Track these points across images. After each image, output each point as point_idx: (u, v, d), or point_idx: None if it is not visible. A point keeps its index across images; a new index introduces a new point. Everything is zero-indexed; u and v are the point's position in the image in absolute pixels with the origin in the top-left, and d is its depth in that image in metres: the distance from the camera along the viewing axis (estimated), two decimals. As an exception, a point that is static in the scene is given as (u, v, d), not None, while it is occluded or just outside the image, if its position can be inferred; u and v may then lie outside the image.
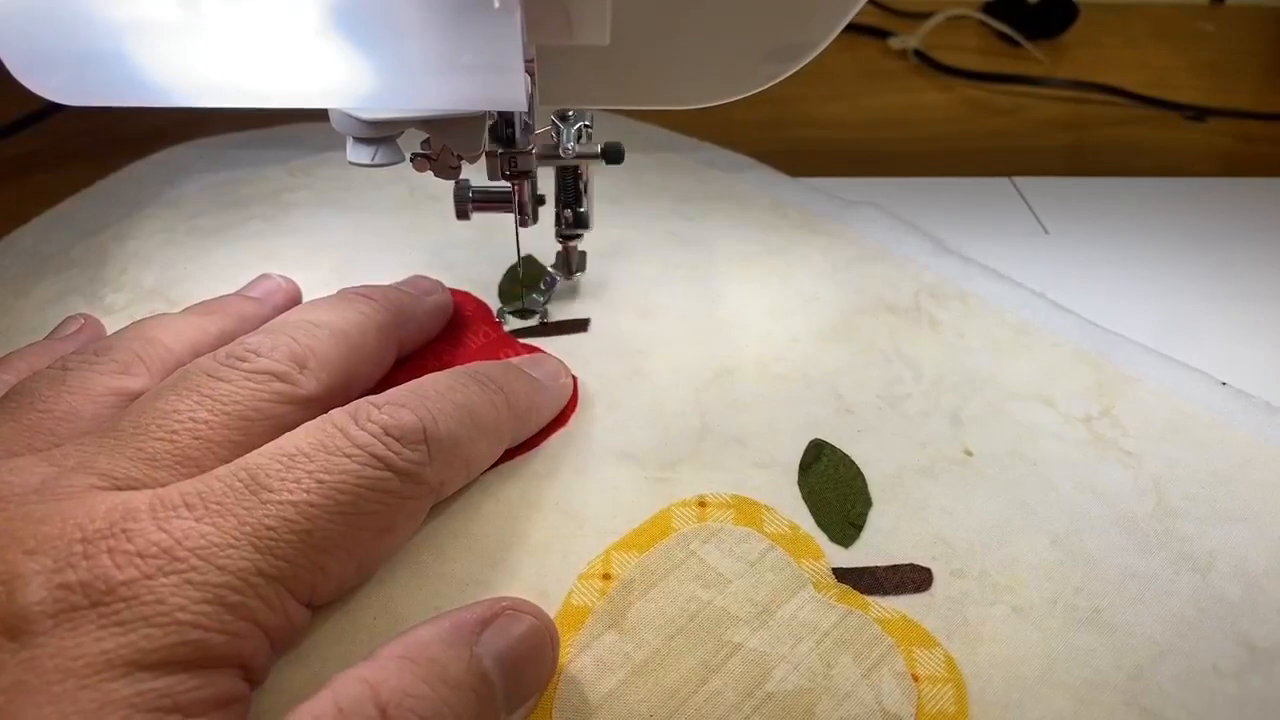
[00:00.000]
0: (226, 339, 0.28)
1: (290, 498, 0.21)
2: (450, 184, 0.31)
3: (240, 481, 0.21)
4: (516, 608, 0.22)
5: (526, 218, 0.31)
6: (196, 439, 0.23)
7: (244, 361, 0.25)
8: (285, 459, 0.22)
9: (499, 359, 0.31)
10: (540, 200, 0.33)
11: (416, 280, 0.32)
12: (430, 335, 0.32)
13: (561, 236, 0.33)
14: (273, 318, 0.29)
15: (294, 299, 0.32)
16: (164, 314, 0.29)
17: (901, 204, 0.41)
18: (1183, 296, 0.38)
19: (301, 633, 0.22)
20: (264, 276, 0.32)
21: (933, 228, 0.40)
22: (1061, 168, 0.50)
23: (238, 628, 0.20)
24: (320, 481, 0.21)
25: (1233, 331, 0.36)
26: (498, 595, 0.23)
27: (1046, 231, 0.42)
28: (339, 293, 0.30)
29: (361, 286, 0.30)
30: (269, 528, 0.21)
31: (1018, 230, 0.42)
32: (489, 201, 0.31)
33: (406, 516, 0.23)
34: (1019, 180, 0.46)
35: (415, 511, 0.24)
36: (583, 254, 0.34)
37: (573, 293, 0.34)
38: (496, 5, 0.21)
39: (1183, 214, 0.43)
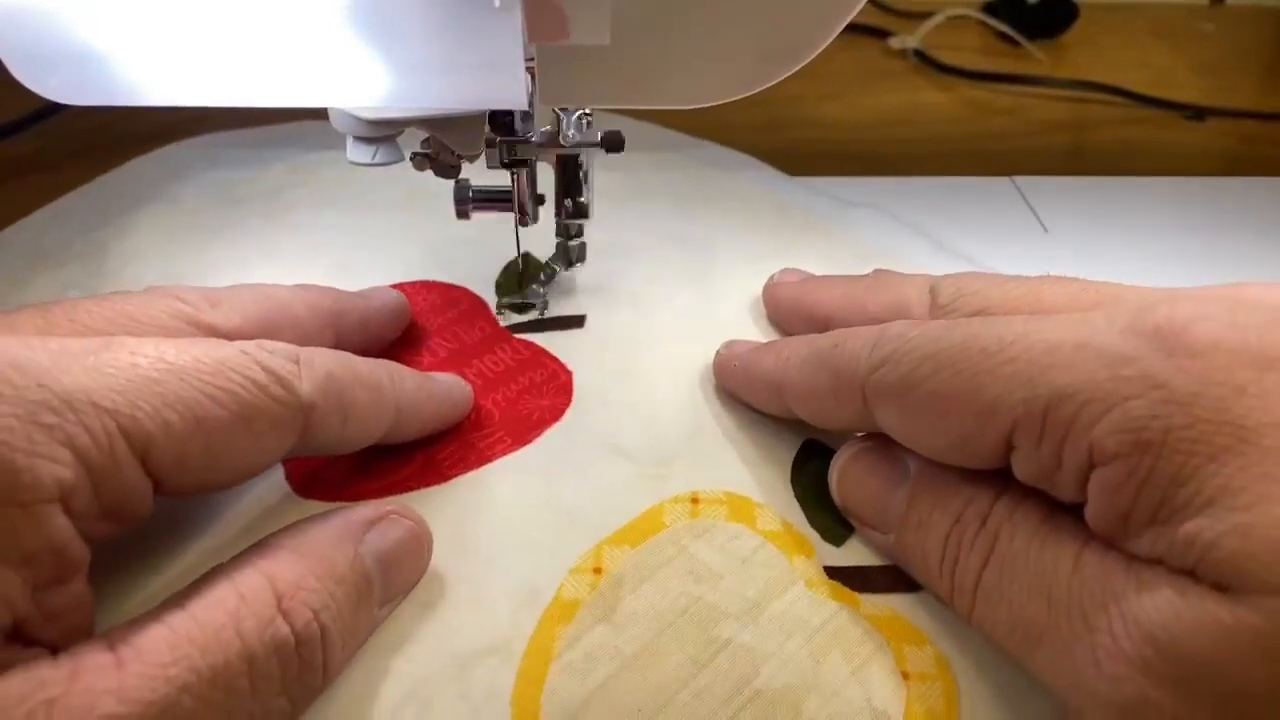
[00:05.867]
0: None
1: (143, 350, 0.20)
2: (450, 183, 0.31)
3: (98, 341, 0.20)
4: (399, 513, 0.24)
5: (526, 217, 0.31)
6: (70, 320, 0.23)
7: (158, 289, 0.25)
8: (152, 340, 0.21)
9: (494, 354, 0.31)
10: (540, 200, 0.33)
11: (372, 289, 0.32)
12: (380, 333, 0.31)
13: (561, 226, 0.33)
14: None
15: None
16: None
17: (901, 204, 0.42)
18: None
19: (143, 507, 0.20)
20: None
21: (933, 228, 0.40)
22: (1061, 167, 0.50)
23: (51, 450, 0.18)
24: (180, 349, 0.21)
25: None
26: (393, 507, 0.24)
27: (1046, 231, 0.42)
28: None
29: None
30: (110, 364, 0.20)
31: (1018, 230, 0.42)
32: (489, 201, 0.31)
33: (269, 422, 0.22)
34: (1019, 180, 0.46)
35: (280, 421, 0.22)
36: (582, 245, 0.34)
37: (571, 286, 0.35)
38: (496, 5, 0.21)
39: (1183, 214, 0.43)
